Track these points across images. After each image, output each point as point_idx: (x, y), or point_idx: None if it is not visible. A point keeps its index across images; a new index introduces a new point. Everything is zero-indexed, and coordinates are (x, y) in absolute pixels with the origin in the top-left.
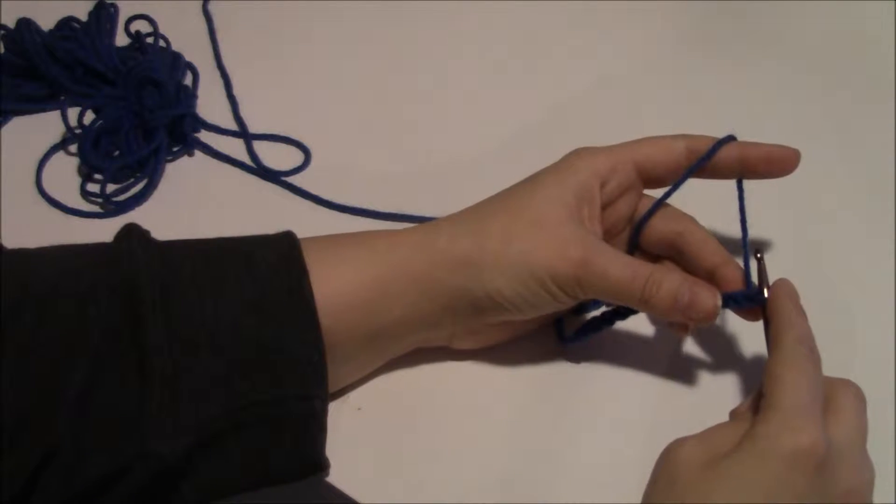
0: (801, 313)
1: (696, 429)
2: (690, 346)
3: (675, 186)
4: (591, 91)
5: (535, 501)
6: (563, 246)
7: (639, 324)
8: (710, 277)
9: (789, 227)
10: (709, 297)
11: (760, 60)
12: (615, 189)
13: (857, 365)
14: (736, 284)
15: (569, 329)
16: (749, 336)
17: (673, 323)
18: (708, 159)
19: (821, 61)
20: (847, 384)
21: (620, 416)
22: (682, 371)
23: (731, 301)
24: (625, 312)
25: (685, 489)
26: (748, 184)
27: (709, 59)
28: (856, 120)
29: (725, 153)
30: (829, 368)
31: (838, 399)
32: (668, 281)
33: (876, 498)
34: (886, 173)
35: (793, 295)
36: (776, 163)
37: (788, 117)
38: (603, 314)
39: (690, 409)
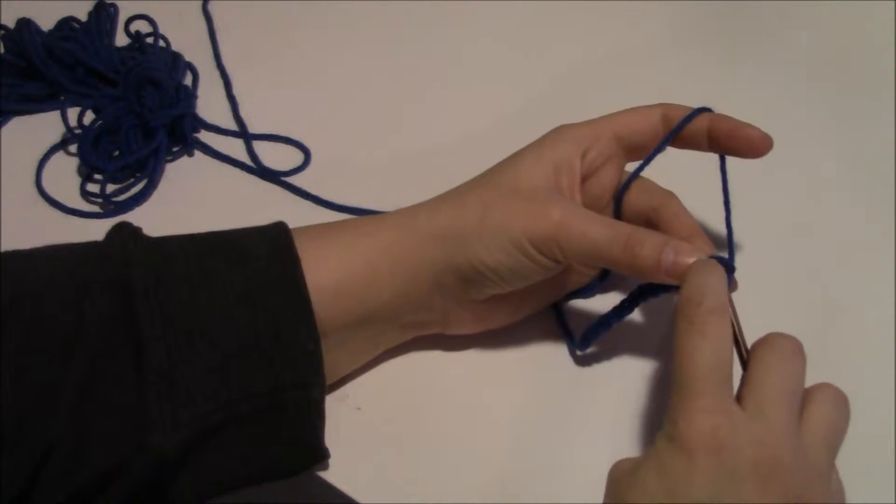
0: (704, 269)
1: None
2: None
3: (652, 156)
4: (589, 91)
5: (535, 501)
6: (541, 209)
7: (641, 322)
8: None
9: (789, 226)
10: (692, 253)
11: (760, 60)
12: (596, 158)
13: (857, 364)
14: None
15: (577, 331)
16: (753, 337)
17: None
18: (681, 129)
19: (821, 61)
20: (819, 389)
21: (622, 415)
22: None
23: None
24: (631, 303)
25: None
26: (748, 175)
27: (708, 59)
28: (856, 120)
29: (697, 124)
30: (828, 368)
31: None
32: (651, 237)
33: (876, 497)
34: (886, 172)
35: (702, 264)
36: (741, 140)
37: (788, 117)
38: (611, 310)
39: None
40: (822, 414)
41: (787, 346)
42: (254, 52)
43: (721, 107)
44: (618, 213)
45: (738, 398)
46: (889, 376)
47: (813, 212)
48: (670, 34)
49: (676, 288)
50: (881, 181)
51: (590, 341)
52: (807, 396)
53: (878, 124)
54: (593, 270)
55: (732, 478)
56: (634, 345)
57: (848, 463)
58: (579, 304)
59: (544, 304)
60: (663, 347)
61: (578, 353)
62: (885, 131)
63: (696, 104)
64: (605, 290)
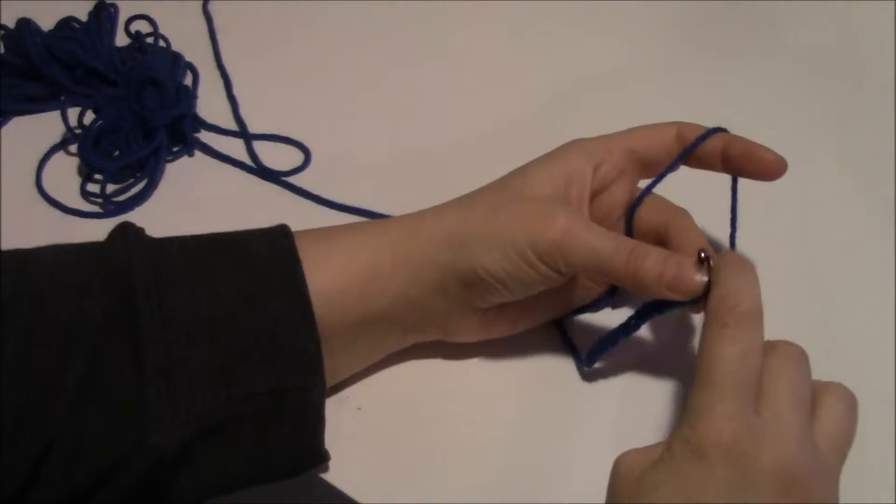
0: (740, 271)
1: None
2: (695, 347)
3: (664, 173)
4: (589, 91)
5: (535, 501)
6: (546, 217)
7: (643, 332)
8: None
9: (788, 227)
10: (696, 269)
11: (760, 60)
12: (609, 172)
13: (857, 365)
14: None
15: (580, 345)
16: None
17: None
18: (694, 148)
19: (821, 61)
20: (829, 389)
21: (621, 419)
22: (687, 371)
23: None
24: (638, 319)
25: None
26: (748, 183)
27: (708, 59)
28: (856, 120)
29: (711, 144)
30: (829, 369)
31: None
32: (654, 253)
33: (875, 498)
34: (886, 173)
35: (737, 259)
36: (754, 162)
37: (788, 117)
38: (617, 327)
39: None
40: (833, 416)
41: (792, 353)
42: (254, 52)
43: (722, 108)
44: (629, 229)
45: None
46: (889, 376)
47: (813, 212)
48: (670, 34)
49: (682, 304)
50: (881, 181)
51: (596, 358)
52: (816, 396)
53: (878, 124)
54: (599, 286)
55: (751, 486)
56: (638, 347)
57: (848, 463)
58: (583, 318)
59: (549, 317)
60: (665, 351)
61: (585, 369)
62: (885, 131)
63: (695, 105)
64: (616, 305)
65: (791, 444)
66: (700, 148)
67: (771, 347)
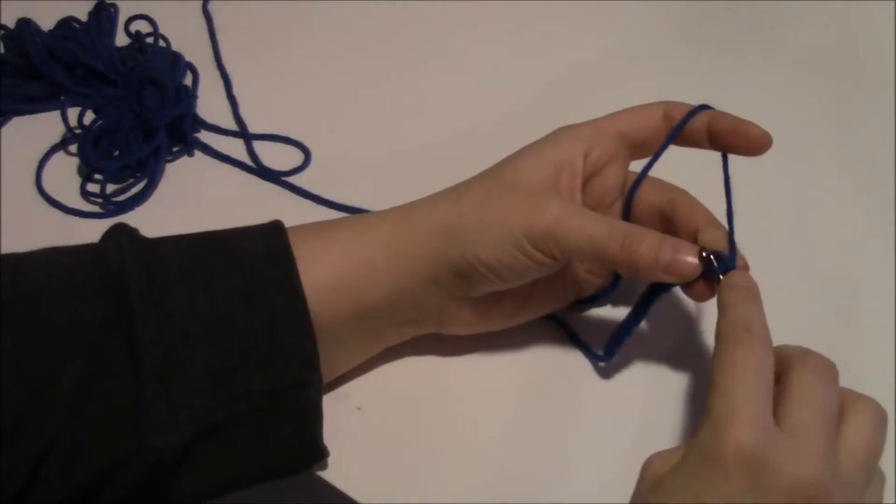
0: (748, 298)
1: None
2: (696, 345)
3: (659, 153)
4: (589, 91)
5: (535, 501)
6: (539, 205)
7: (644, 322)
8: (694, 240)
9: (788, 227)
10: (691, 251)
11: (760, 60)
12: (601, 157)
13: (857, 364)
14: (715, 246)
15: (591, 341)
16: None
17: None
18: (683, 125)
19: (821, 61)
20: (859, 404)
21: (623, 415)
22: (688, 370)
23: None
24: (646, 304)
25: None
26: (748, 175)
27: (708, 59)
28: (856, 120)
29: (697, 121)
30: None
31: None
32: (650, 236)
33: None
34: (886, 173)
35: (744, 284)
36: (741, 137)
37: (788, 117)
38: (628, 316)
39: (696, 410)
40: (859, 433)
41: (822, 365)
42: (254, 52)
43: (722, 108)
44: (627, 211)
45: (775, 415)
46: (889, 376)
47: (813, 212)
48: (670, 34)
49: (687, 283)
50: (881, 181)
51: (614, 351)
52: (844, 408)
53: (878, 124)
54: (598, 278)
55: (765, 498)
56: (639, 345)
57: None
58: (583, 315)
59: (547, 310)
60: (667, 349)
61: (602, 364)
62: (885, 131)
63: (696, 103)
64: (616, 301)
65: (813, 460)
66: (687, 126)
67: (801, 359)
